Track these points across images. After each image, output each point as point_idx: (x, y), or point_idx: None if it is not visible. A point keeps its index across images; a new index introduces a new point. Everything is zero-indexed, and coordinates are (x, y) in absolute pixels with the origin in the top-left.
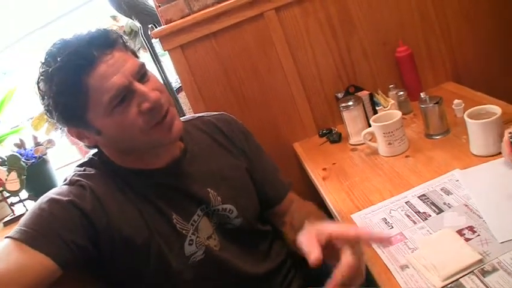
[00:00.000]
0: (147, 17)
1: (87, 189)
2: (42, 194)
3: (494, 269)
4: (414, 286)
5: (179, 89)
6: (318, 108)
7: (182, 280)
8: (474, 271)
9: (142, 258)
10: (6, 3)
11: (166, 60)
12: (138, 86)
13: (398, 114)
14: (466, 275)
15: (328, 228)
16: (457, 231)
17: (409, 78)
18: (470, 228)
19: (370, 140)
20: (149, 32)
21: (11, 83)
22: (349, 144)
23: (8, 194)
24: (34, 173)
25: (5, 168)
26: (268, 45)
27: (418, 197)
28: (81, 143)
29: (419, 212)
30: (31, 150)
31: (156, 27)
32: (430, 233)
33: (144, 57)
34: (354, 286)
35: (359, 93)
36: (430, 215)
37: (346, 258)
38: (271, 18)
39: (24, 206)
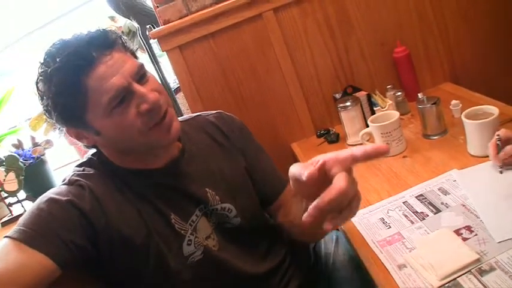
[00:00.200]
0: (145, 18)
1: (86, 189)
2: (40, 195)
3: (492, 269)
4: (412, 286)
5: (177, 90)
6: (316, 109)
7: (181, 280)
8: (472, 270)
9: (141, 258)
10: (5, 3)
11: (164, 61)
12: (137, 87)
13: (396, 114)
14: (463, 274)
15: (322, 156)
16: (454, 231)
17: (406, 78)
18: (468, 228)
19: (368, 141)
20: (147, 33)
21: (9, 83)
22: (347, 144)
23: (6, 195)
24: (32, 174)
25: (3, 169)
26: (267, 46)
27: (416, 197)
28: (80, 143)
29: (416, 212)
30: (29, 150)
31: (154, 28)
32: (428, 233)
33: (142, 57)
34: (341, 219)
35: (357, 94)
36: (428, 215)
37: (338, 180)
38: (270, 19)
39: (22, 206)
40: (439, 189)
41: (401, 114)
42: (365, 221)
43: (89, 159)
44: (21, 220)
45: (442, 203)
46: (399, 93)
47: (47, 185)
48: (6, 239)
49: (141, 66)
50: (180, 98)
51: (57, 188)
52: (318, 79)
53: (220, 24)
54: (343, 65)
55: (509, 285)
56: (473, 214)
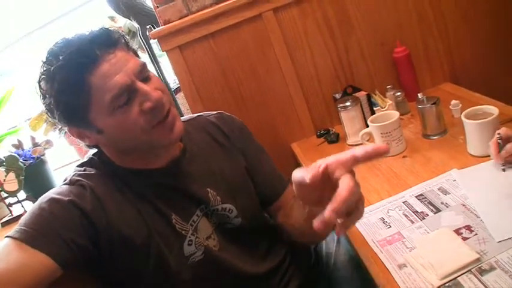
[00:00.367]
0: (145, 18)
1: (87, 189)
2: (40, 195)
3: (492, 268)
4: (412, 285)
5: (177, 90)
6: (316, 109)
7: (181, 280)
8: (472, 270)
9: (142, 258)
10: (5, 3)
11: (164, 61)
12: (141, 85)
13: (395, 114)
14: (463, 273)
15: (324, 160)
16: (454, 231)
17: (406, 78)
18: (468, 228)
19: (367, 141)
20: (147, 33)
21: (9, 83)
22: (347, 144)
23: (6, 195)
24: (32, 174)
25: (3, 169)
26: (267, 46)
27: (416, 197)
28: (81, 143)
29: (417, 211)
30: (29, 150)
31: (154, 28)
32: (428, 233)
33: (142, 58)
34: (350, 221)
35: (357, 94)
36: (428, 215)
37: (345, 180)
38: (270, 19)
39: (22, 206)
40: (439, 189)
41: (401, 114)
42: (365, 221)
43: (90, 159)
44: (22, 220)
45: (442, 203)
46: (399, 93)
47: (47, 185)
48: (8, 239)
49: (144, 65)
50: (180, 98)
51: (59, 188)
52: (318, 79)
53: (220, 24)
54: (343, 65)
55: (509, 285)
56: (473, 214)
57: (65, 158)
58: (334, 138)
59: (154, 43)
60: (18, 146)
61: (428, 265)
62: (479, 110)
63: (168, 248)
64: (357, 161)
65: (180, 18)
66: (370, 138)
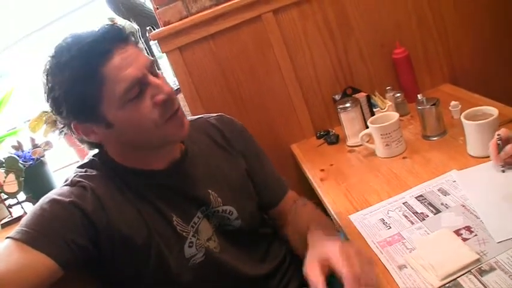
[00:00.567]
0: (145, 19)
1: (88, 190)
2: (40, 196)
3: (492, 269)
4: (412, 286)
5: (177, 91)
6: (316, 110)
7: (181, 282)
8: (472, 270)
9: (142, 259)
10: (5, 4)
11: (164, 62)
12: (152, 78)
13: (395, 115)
14: (463, 274)
15: (329, 257)
16: (454, 231)
17: (406, 80)
18: (468, 228)
19: (367, 142)
20: (147, 34)
21: (8, 85)
22: (346, 145)
23: (5, 196)
24: (32, 175)
25: (3, 170)
26: (266, 47)
27: (416, 198)
28: (82, 145)
29: (416, 212)
30: (29, 152)
31: (154, 29)
32: (428, 233)
33: None
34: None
35: (356, 95)
36: (428, 216)
37: (349, 271)
38: (269, 21)
39: (22, 207)
40: (438, 190)
41: (400, 116)
42: (365, 222)
43: (91, 160)
44: (23, 221)
45: (441, 204)
46: (399, 95)
47: (47, 186)
48: (9, 240)
49: (153, 62)
50: (180, 99)
51: (59, 189)
52: (318, 80)
53: (220, 26)
54: (342, 66)
55: (509, 285)
56: (473, 214)
57: (65, 160)
58: (334, 140)
59: (154, 44)
60: (18, 147)
61: (429, 266)
62: (479, 111)
63: (168, 249)
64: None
65: (179, 20)
66: (370, 139)
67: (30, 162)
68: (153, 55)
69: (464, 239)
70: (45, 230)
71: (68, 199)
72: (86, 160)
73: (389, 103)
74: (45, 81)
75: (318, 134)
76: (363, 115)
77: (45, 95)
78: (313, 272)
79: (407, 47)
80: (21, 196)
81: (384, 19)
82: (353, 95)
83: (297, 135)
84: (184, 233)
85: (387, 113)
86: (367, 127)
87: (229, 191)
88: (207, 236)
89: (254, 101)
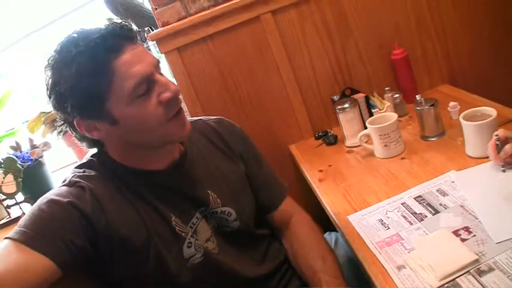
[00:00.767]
0: (143, 20)
1: (86, 190)
2: (38, 197)
3: (491, 269)
4: (411, 286)
5: None
6: (314, 111)
7: (180, 282)
8: (470, 271)
9: (141, 259)
10: (4, 4)
11: (162, 63)
12: (159, 76)
13: (394, 116)
14: (462, 275)
15: None
16: (453, 232)
17: (404, 80)
18: (466, 229)
19: (366, 142)
20: (145, 35)
21: (7, 85)
22: (345, 146)
23: (4, 197)
24: (30, 176)
25: (1, 171)
26: (265, 48)
27: (414, 198)
28: (83, 141)
29: (415, 213)
30: (27, 152)
31: (153, 30)
32: (427, 234)
33: None
34: None
35: (355, 96)
36: (426, 216)
37: None
38: (268, 21)
39: (21, 208)
40: (437, 191)
41: (399, 116)
42: (364, 222)
43: (89, 161)
44: (21, 221)
45: (440, 204)
46: (397, 95)
47: (45, 187)
48: (7, 240)
49: (159, 62)
50: None
51: (58, 190)
52: (316, 81)
53: (218, 26)
54: (341, 67)
55: (507, 286)
56: (472, 215)
57: (63, 160)
58: (332, 140)
59: (152, 45)
60: (16, 148)
61: (427, 266)
62: (478, 112)
63: (167, 249)
64: None
65: (178, 20)
66: (368, 140)
67: (29, 163)
68: None
69: (463, 240)
70: (44, 231)
71: (66, 199)
72: (84, 160)
73: (388, 104)
74: (49, 76)
75: (317, 135)
76: (362, 116)
77: (48, 90)
78: None
79: (406, 48)
80: (20, 197)
81: (382, 20)
82: (351, 96)
83: (295, 136)
84: (183, 234)
85: (386, 114)
86: (365, 128)
87: (229, 191)
88: (206, 236)
89: (253, 101)
